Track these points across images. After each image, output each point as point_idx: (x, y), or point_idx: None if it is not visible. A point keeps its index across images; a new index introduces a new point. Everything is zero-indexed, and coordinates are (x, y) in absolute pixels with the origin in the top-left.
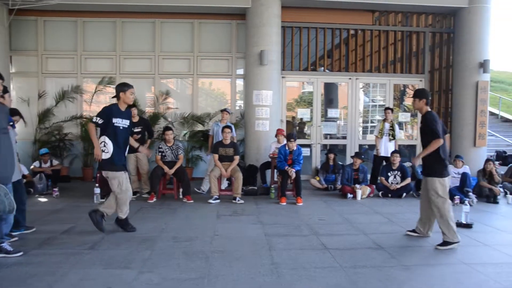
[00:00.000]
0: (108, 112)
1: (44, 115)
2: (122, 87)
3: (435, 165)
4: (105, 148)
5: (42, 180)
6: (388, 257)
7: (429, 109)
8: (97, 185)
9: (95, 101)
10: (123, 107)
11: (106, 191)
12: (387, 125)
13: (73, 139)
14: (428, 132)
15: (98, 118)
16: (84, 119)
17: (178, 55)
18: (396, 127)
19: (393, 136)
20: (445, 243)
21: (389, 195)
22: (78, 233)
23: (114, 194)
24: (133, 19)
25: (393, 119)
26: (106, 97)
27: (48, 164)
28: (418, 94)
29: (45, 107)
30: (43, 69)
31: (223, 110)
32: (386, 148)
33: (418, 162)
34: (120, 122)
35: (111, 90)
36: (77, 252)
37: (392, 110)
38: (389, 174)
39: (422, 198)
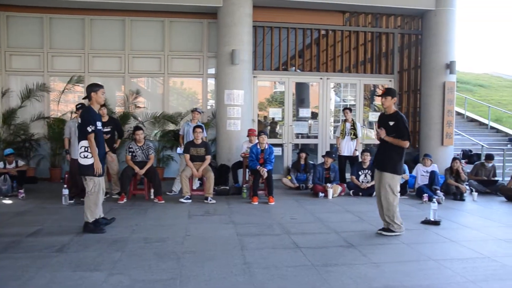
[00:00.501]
0: (93, 116)
1: (8, 114)
2: (93, 88)
3: (397, 162)
4: (87, 153)
5: (7, 182)
6: (359, 255)
7: (396, 109)
8: (65, 186)
9: (63, 100)
10: (96, 108)
11: (75, 192)
12: (348, 125)
13: (40, 139)
14: (398, 132)
15: (91, 126)
16: (52, 119)
17: (149, 54)
18: (358, 125)
19: (355, 135)
20: (389, 230)
21: (360, 193)
22: (45, 235)
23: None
24: (102, 16)
25: (354, 118)
26: (75, 96)
27: (13, 165)
28: (391, 93)
29: (10, 106)
30: (7, 67)
31: (193, 110)
32: (349, 147)
33: (383, 135)
34: (98, 125)
35: (80, 89)
36: (45, 255)
37: (350, 109)
38: (359, 173)
39: (378, 193)
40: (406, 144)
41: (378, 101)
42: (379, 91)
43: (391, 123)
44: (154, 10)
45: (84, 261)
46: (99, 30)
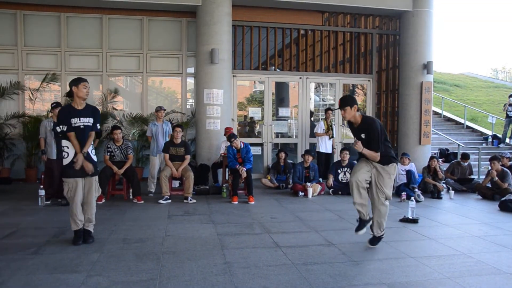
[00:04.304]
0: (66, 115)
1: None
2: (75, 82)
3: (390, 155)
4: (66, 153)
5: None
6: (338, 253)
7: (361, 113)
8: (41, 186)
9: (39, 99)
10: (79, 104)
11: (51, 192)
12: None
13: (15, 139)
14: (370, 144)
15: (63, 126)
16: (27, 118)
17: (127, 53)
18: (333, 127)
19: (331, 135)
20: (379, 238)
21: (339, 192)
22: (20, 237)
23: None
24: (78, 14)
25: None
26: (51, 94)
27: None
28: (348, 102)
29: None
30: None
31: (158, 109)
32: (328, 145)
33: (360, 149)
34: (79, 121)
35: (57, 87)
36: (20, 257)
37: (332, 110)
38: (339, 171)
39: (372, 193)
40: (377, 157)
41: (357, 100)
42: (358, 91)
43: (363, 136)
44: (132, 8)
45: (61, 263)
46: (75, 28)
